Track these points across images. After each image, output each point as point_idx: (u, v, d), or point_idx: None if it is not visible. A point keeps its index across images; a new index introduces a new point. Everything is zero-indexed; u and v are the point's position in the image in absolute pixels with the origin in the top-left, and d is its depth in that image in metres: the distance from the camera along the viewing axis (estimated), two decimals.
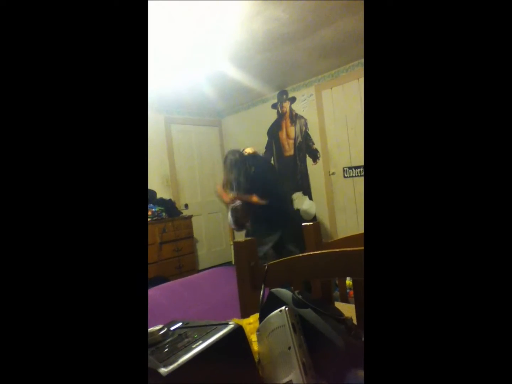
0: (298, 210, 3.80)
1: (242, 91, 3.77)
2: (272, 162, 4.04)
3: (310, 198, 3.78)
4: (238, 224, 2.88)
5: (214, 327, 0.58)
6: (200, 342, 0.53)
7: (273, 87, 3.79)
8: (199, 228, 4.27)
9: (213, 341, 0.52)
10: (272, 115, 4.03)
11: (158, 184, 3.98)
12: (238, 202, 2.77)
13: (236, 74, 3.19)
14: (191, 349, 0.51)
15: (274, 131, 4.02)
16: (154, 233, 3.41)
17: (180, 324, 0.65)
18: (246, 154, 2.80)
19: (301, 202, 3.80)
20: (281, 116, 3.93)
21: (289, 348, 0.61)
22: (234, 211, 2.79)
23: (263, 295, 0.88)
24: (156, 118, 4.03)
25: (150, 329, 0.61)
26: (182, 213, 3.89)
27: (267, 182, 2.78)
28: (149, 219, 3.45)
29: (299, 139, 3.79)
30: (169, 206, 3.71)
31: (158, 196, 3.81)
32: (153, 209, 3.50)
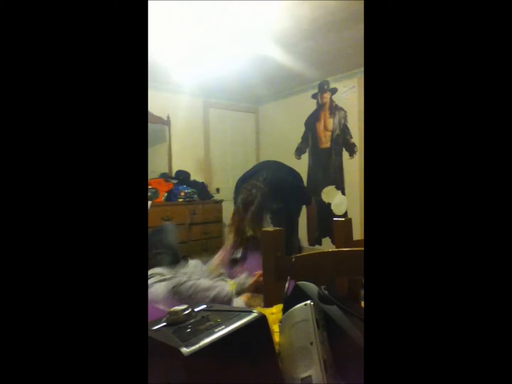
0: (329, 204, 3.74)
1: (283, 79, 3.72)
2: (306, 153, 3.97)
3: (343, 193, 3.70)
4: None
5: (238, 313, 0.58)
6: (223, 327, 0.53)
7: (315, 76, 3.71)
8: (229, 213, 4.32)
9: (236, 327, 0.52)
10: (311, 105, 3.95)
11: (191, 167, 4.04)
12: None
13: (278, 60, 3.14)
14: (214, 332, 0.52)
15: (311, 122, 3.95)
16: (184, 214, 3.49)
17: (204, 306, 0.66)
18: None
19: (332, 196, 3.73)
20: (320, 106, 3.85)
21: (311, 343, 0.60)
22: None
23: (288, 287, 0.87)
24: (195, 102, 4.07)
25: (174, 308, 0.62)
26: (213, 196, 3.93)
27: None
28: (181, 200, 3.53)
29: (337, 131, 3.70)
30: (201, 189, 3.76)
31: (192, 178, 3.88)
32: (186, 190, 3.57)
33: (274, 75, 3.57)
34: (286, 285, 0.87)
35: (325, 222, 3.70)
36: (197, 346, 0.48)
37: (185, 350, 0.47)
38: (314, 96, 3.90)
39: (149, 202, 3.29)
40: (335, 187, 3.73)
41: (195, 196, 3.65)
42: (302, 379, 0.58)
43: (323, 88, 3.81)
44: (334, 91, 3.72)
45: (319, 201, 3.83)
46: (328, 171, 3.75)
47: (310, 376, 0.58)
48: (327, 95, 3.78)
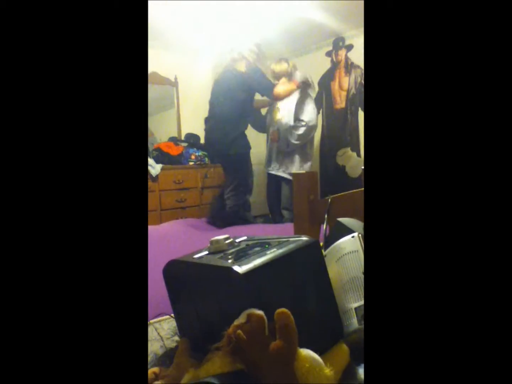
0: (343, 166, 3.67)
1: (295, 37, 3.53)
2: (320, 114, 3.84)
3: (358, 155, 3.61)
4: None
5: (286, 239, 0.53)
6: (274, 249, 0.49)
7: (330, 33, 3.51)
8: None
9: (290, 248, 0.48)
10: (326, 64, 3.77)
11: (201, 129, 3.94)
12: None
13: (291, 16, 2.97)
14: (265, 254, 0.47)
15: (325, 81, 3.79)
16: (196, 178, 3.45)
17: (244, 237, 0.62)
18: None
19: (348, 158, 3.65)
20: (335, 65, 3.68)
21: (363, 272, 0.57)
22: None
23: (326, 228, 0.83)
24: (204, 62, 3.92)
25: (215, 238, 0.58)
26: None
27: None
28: (192, 163, 3.47)
29: (353, 91, 3.55)
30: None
31: (202, 141, 3.79)
32: (197, 153, 3.51)
33: (285, 33, 3.39)
34: (324, 226, 0.83)
35: (340, 185, 3.63)
36: (251, 265, 0.44)
37: (239, 268, 0.43)
38: (329, 54, 3.72)
39: (160, 165, 3.25)
40: (350, 148, 3.63)
41: (206, 159, 3.58)
42: (356, 308, 0.55)
43: (337, 45, 3.63)
44: (350, 48, 3.54)
45: (333, 165, 3.75)
46: (343, 132, 3.64)
47: (363, 305, 0.55)
48: (342, 53, 3.60)
